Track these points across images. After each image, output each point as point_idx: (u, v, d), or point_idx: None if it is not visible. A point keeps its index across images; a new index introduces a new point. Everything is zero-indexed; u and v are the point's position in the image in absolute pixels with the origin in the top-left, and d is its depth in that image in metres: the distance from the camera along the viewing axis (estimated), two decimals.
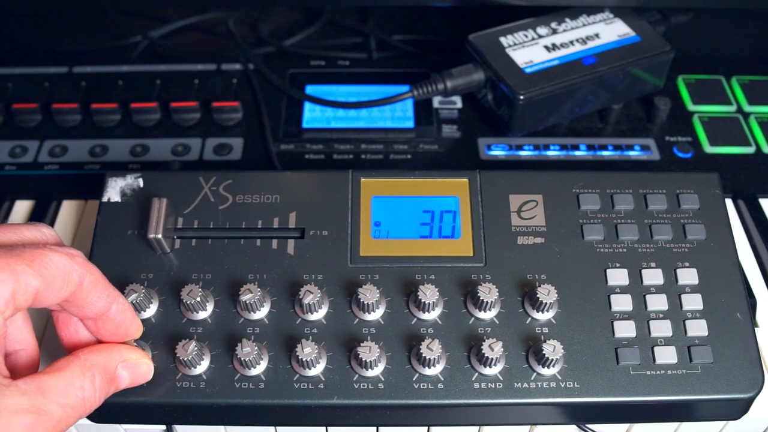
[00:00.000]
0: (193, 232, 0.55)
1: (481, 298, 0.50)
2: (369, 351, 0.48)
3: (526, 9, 0.73)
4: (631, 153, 0.70)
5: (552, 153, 0.70)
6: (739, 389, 0.49)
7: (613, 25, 0.72)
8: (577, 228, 0.55)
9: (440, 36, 0.86)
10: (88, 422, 0.52)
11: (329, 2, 0.85)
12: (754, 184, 0.69)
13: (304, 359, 0.48)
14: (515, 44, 0.70)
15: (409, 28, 0.87)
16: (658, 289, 0.53)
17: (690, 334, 0.51)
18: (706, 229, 0.55)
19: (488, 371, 0.49)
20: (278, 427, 0.55)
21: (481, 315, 0.51)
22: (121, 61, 0.79)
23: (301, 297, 0.50)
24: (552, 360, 0.48)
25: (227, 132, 0.73)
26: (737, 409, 0.51)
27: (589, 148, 0.71)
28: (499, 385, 0.49)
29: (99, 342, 0.47)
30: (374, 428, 0.56)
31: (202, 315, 0.51)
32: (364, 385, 0.49)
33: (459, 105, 0.75)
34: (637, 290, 0.53)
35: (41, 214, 0.66)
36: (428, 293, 0.50)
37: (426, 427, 0.56)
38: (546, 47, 0.70)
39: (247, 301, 0.50)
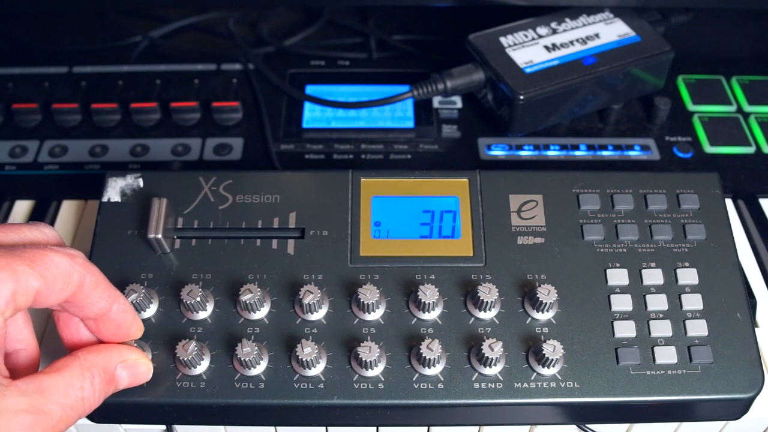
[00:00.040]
0: (193, 232, 0.55)
1: (481, 298, 0.50)
2: (369, 351, 0.48)
3: (526, 9, 0.73)
4: (631, 153, 0.70)
5: (552, 153, 0.70)
6: (739, 389, 0.49)
7: (613, 25, 0.72)
8: (577, 228, 0.55)
9: (440, 36, 0.86)
10: (88, 422, 0.52)
11: (329, 2, 0.85)
12: (754, 184, 0.69)
13: (304, 359, 0.48)
14: (515, 44, 0.70)
15: (409, 28, 0.87)
16: (658, 289, 0.53)
17: (690, 334, 0.51)
18: (706, 229, 0.55)
19: (488, 371, 0.49)
20: (278, 427, 0.55)
21: (481, 315, 0.51)
22: (121, 61, 0.79)
23: (301, 297, 0.50)
24: (552, 360, 0.48)
25: (227, 132, 0.73)
26: (737, 409, 0.51)
27: (589, 148, 0.71)
28: (499, 385, 0.49)
29: (100, 342, 0.47)
30: (374, 428, 0.56)
31: (202, 315, 0.51)
32: (364, 385, 0.49)
33: (459, 105, 0.75)
34: (637, 290, 0.53)
35: (41, 214, 0.66)
36: (428, 293, 0.50)
37: (426, 427, 0.56)
38: (546, 47, 0.70)
39: (247, 301, 0.50)
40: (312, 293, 0.50)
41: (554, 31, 0.71)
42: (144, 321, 0.50)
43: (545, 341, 0.49)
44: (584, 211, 0.56)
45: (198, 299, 0.50)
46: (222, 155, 0.70)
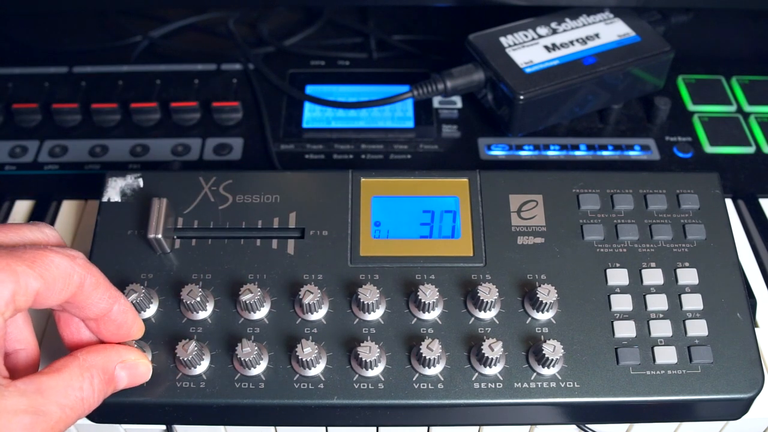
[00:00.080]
0: (193, 232, 0.55)
1: (481, 298, 0.50)
2: (369, 351, 0.48)
3: (526, 9, 0.73)
4: (631, 153, 0.70)
5: (552, 153, 0.70)
6: (739, 389, 0.49)
7: (613, 25, 0.72)
8: (577, 228, 0.55)
9: (440, 36, 0.86)
10: (88, 422, 0.52)
11: (329, 2, 0.85)
12: (754, 184, 0.69)
13: (304, 359, 0.48)
14: (515, 44, 0.70)
15: (409, 28, 0.87)
16: (658, 289, 0.53)
17: (690, 334, 0.51)
18: (706, 229, 0.55)
19: (488, 371, 0.49)
20: (278, 427, 0.55)
21: (481, 315, 0.51)
22: (121, 61, 0.79)
23: (301, 297, 0.50)
24: (552, 360, 0.48)
25: (227, 132, 0.73)
26: (737, 409, 0.51)
27: (589, 148, 0.71)
28: (499, 385, 0.49)
29: (101, 342, 0.47)
30: (374, 428, 0.56)
31: (202, 315, 0.51)
32: (364, 385, 0.49)
33: (459, 105, 0.75)
34: (637, 290, 0.53)
35: (41, 214, 0.66)
36: (428, 293, 0.50)
37: (426, 427, 0.56)
38: (546, 47, 0.70)
39: (247, 301, 0.50)
40: (312, 293, 0.50)
41: (554, 31, 0.71)
42: (144, 321, 0.50)
43: (545, 341, 0.49)
44: (584, 211, 0.56)
45: (198, 299, 0.50)
46: (222, 155, 0.70)
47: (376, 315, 0.51)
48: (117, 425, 0.55)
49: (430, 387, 0.49)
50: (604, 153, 0.70)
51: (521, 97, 0.66)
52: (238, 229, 0.55)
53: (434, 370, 0.49)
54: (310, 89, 0.77)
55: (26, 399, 0.38)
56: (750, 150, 0.71)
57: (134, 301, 0.50)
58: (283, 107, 0.75)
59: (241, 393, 0.49)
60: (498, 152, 0.70)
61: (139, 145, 0.71)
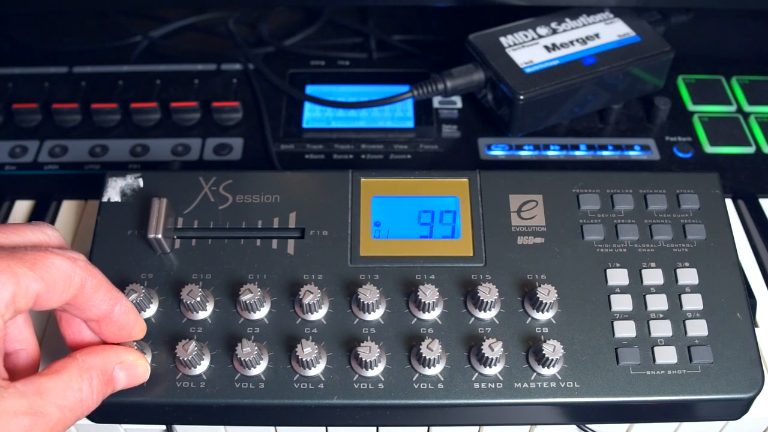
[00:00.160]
0: (193, 232, 0.55)
1: (481, 298, 0.50)
2: (369, 351, 0.48)
3: (526, 9, 0.73)
4: (631, 153, 0.70)
5: (552, 153, 0.70)
6: (739, 389, 0.49)
7: (613, 25, 0.72)
8: (577, 228, 0.55)
9: (440, 36, 0.86)
10: (88, 422, 0.52)
11: (329, 2, 0.85)
12: (754, 184, 0.69)
13: (304, 359, 0.48)
14: (515, 44, 0.70)
15: (409, 28, 0.87)
16: (658, 289, 0.53)
17: (690, 334, 0.51)
18: (706, 229, 0.55)
19: (488, 371, 0.49)
20: (278, 427, 0.55)
21: (481, 315, 0.51)
22: (121, 61, 0.79)
23: (301, 297, 0.50)
24: (552, 360, 0.48)
25: (227, 132, 0.73)
26: (737, 409, 0.51)
27: (589, 148, 0.71)
28: (499, 385, 0.49)
29: (102, 342, 0.47)
30: (374, 428, 0.56)
31: (202, 315, 0.51)
32: (364, 385, 0.49)
33: (459, 105, 0.75)
34: (637, 290, 0.53)
35: (41, 214, 0.66)
36: (428, 293, 0.50)
37: (426, 427, 0.56)
38: (546, 47, 0.70)
39: (247, 301, 0.50)
40: (312, 293, 0.50)
41: (554, 31, 0.71)
42: (144, 321, 0.50)
43: (545, 341, 0.49)
44: (584, 211, 0.56)
45: (198, 299, 0.50)
46: (222, 155, 0.70)
47: (376, 315, 0.51)
48: (117, 425, 0.55)
49: (430, 387, 0.49)
50: (604, 153, 0.70)
51: (521, 97, 0.66)
52: (238, 229, 0.55)
53: (434, 370, 0.49)
54: (310, 89, 0.77)
55: (25, 400, 0.38)
56: (750, 150, 0.71)
57: (134, 301, 0.50)
58: (283, 107, 0.75)
59: (241, 393, 0.49)
60: (498, 152, 0.70)
61: (139, 145, 0.71)
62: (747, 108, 0.75)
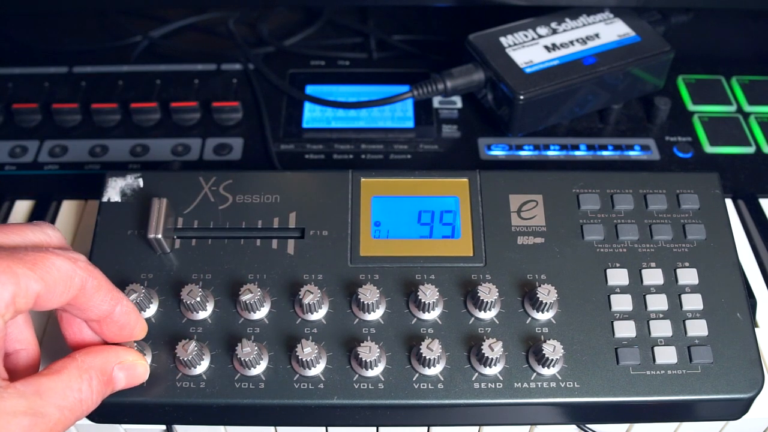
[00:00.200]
0: (193, 232, 0.55)
1: (481, 298, 0.50)
2: (369, 351, 0.48)
3: (526, 9, 0.73)
4: (631, 153, 0.70)
5: (552, 153, 0.70)
6: (739, 389, 0.49)
7: (613, 25, 0.72)
8: (577, 228, 0.55)
9: (440, 36, 0.86)
10: (88, 422, 0.52)
11: (329, 2, 0.85)
12: (754, 184, 0.69)
13: (304, 359, 0.48)
14: (515, 44, 0.70)
15: (409, 28, 0.87)
16: (658, 289, 0.53)
17: (690, 334, 0.51)
18: (706, 229, 0.55)
19: (488, 371, 0.49)
20: (278, 427, 0.55)
21: (481, 315, 0.51)
22: (121, 61, 0.79)
23: (301, 297, 0.50)
24: (552, 360, 0.48)
25: (227, 132, 0.73)
26: (737, 409, 0.51)
27: (589, 148, 0.71)
28: (499, 385, 0.49)
29: (104, 342, 0.47)
30: (374, 428, 0.56)
31: (202, 315, 0.51)
32: (364, 385, 0.49)
33: (459, 105, 0.75)
34: (637, 290, 0.53)
35: (41, 214, 0.66)
36: (428, 293, 0.50)
37: (426, 427, 0.56)
38: (546, 47, 0.70)
39: (247, 301, 0.50)
40: (312, 293, 0.50)
41: (554, 31, 0.71)
42: (145, 321, 0.50)
43: (545, 341, 0.49)
44: (584, 211, 0.56)
45: (198, 299, 0.50)
46: (222, 155, 0.70)
47: (376, 315, 0.51)
48: (117, 425, 0.55)
49: (430, 387, 0.49)
50: (604, 153, 0.70)
51: (521, 97, 0.66)
52: (238, 229, 0.55)
53: (434, 370, 0.49)
54: (310, 89, 0.77)
55: (25, 401, 0.38)
56: (750, 150, 0.71)
57: (134, 301, 0.50)
58: (283, 107, 0.75)
59: (241, 393, 0.49)
60: (498, 152, 0.70)
61: (139, 145, 0.71)
62: (747, 108, 0.75)
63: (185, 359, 0.48)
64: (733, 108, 0.75)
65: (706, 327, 0.51)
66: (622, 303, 0.52)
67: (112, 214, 0.55)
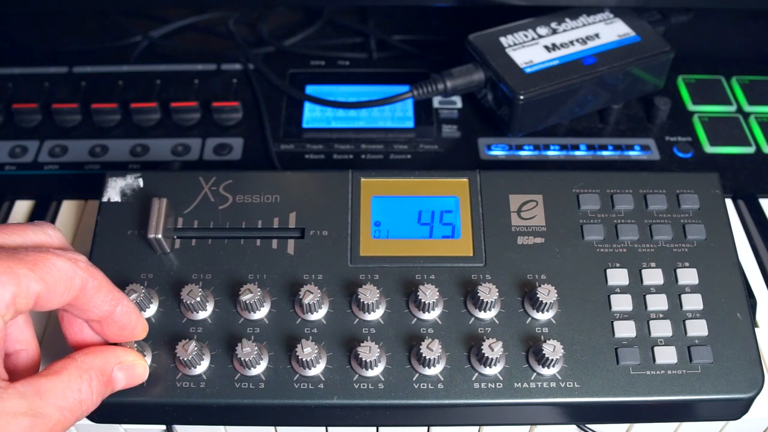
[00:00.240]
0: (193, 232, 0.55)
1: (481, 298, 0.50)
2: (369, 351, 0.48)
3: (526, 9, 0.73)
4: (631, 153, 0.70)
5: (552, 153, 0.70)
6: (739, 389, 0.49)
7: (613, 25, 0.72)
8: (577, 228, 0.55)
9: (440, 36, 0.86)
10: (88, 422, 0.52)
11: (329, 2, 0.85)
12: (754, 184, 0.69)
13: (304, 359, 0.48)
14: (515, 44, 0.70)
15: (409, 28, 0.87)
16: (658, 289, 0.53)
17: (690, 334, 0.51)
18: (706, 229, 0.55)
19: (488, 371, 0.49)
20: (278, 427, 0.55)
21: (481, 315, 0.51)
22: (121, 61, 0.79)
23: (301, 297, 0.50)
24: (552, 360, 0.48)
25: (227, 132, 0.73)
26: (737, 409, 0.51)
27: (589, 148, 0.71)
28: (499, 385, 0.49)
29: (105, 342, 0.47)
30: (374, 428, 0.56)
31: (202, 315, 0.51)
32: (364, 385, 0.49)
33: (459, 105, 0.75)
34: (637, 290, 0.53)
35: (41, 214, 0.66)
36: (428, 293, 0.50)
37: (426, 427, 0.56)
38: (546, 47, 0.70)
39: (247, 301, 0.50)
40: (312, 293, 0.50)
41: (554, 31, 0.71)
42: (146, 321, 0.50)
43: (545, 341, 0.49)
44: (584, 211, 0.56)
45: (198, 299, 0.50)
46: (222, 155, 0.70)
47: (376, 315, 0.51)
48: (117, 425, 0.55)
49: (430, 387, 0.49)
50: (604, 153, 0.70)
51: (521, 97, 0.66)
52: (238, 229, 0.55)
53: (434, 370, 0.49)
54: (310, 89, 0.77)
55: (25, 401, 0.38)
56: (750, 150, 0.71)
57: (134, 301, 0.50)
58: (283, 107, 0.75)
59: (241, 393, 0.49)
60: (498, 152, 0.70)
61: (139, 145, 0.71)
62: (747, 108, 0.75)
63: (185, 359, 0.48)
64: (733, 108, 0.75)
65: (706, 327, 0.51)
66: (622, 303, 0.52)
67: (112, 214, 0.55)
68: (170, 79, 0.77)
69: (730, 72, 0.79)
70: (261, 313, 0.51)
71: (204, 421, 0.52)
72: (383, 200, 0.56)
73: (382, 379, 0.49)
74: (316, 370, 0.49)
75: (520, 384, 0.49)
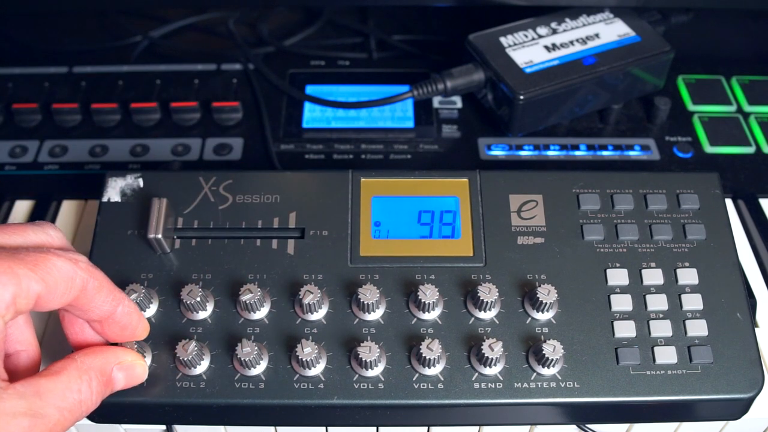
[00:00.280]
0: (193, 232, 0.55)
1: (481, 298, 0.50)
2: (369, 351, 0.48)
3: (526, 9, 0.73)
4: (631, 153, 0.70)
5: (552, 153, 0.70)
6: (739, 389, 0.49)
7: (613, 25, 0.72)
8: (577, 228, 0.55)
9: (440, 36, 0.86)
10: (88, 422, 0.52)
11: (329, 2, 0.85)
12: (754, 184, 0.69)
13: (304, 359, 0.48)
14: (515, 44, 0.70)
15: (409, 28, 0.87)
16: (658, 289, 0.53)
17: (690, 334, 0.51)
18: (706, 229, 0.55)
19: (488, 371, 0.49)
20: (278, 427, 0.55)
21: (481, 315, 0.51)
22: (121, 61, 0.79)
23: (301, 297, 0.50)
24: (552, 360, 0.48)
25: (227, 132, 0.73)
26: (737, 409, 0.51)
27: (589, 148, 0.71)
28: (499, 385, 0.49)
29: (106, 341, 0.47)
30: (374, 428, 0.56)
31: (202, 315, 0.51)
32: (364, 385, 0.49)
33: (459, 105, 0.75)
34: (637, 290, 0.53)
35: (41, 214, 0.66)
36: (428, 293, 0.50)
37: (426, 427, 0.56)
38: (546, 47, 0.70)
39: (247, 301, 0.50)
40: (312, 293, 0.50)
41: (554, 31, 0.71)
42: (147, 321, 0.50)
43: (545, 341, 0.49)
44: (584, 211, 0.56)
45: (198, 299, 0.50)
46: (222, 155, 0.70)
47: (376, 315, 0.51)
48: (117, 425, 0.55)
49: (430, 387, 0.49)
50: (604, 153, 0.70)
51: (521, 97, 0.66)
52: (238, 229, 0.55)
53: (434, 370, 0.49)
54: (310, 89, 0.77)
55: (25, 402, 0.38)
56: (750, 150, 0.71)
57: (134, 301, 0.50)
58: (283, 107, 0.75)
59: (241, 393, 0.49)
60: (498, 152, 0.70)
61: (139, 145, 0.71)
62: (747, 108, 0.75)
63: (185, 359, 0.48)
64: (733, 108, 0.75)
65: (706, 327, 0.51)
66: (622, 303, 0.52)
67: (112, 214, 0.55)
68: (170, 79, 0.77)
69: (730, 72, 0.79)
70: (261, 313, 0.51)
71: (204, 421, 0.52)
72: (383, 200, 0.56)
73: (382, 379, 0.49)
74: (316, 370, 0.49)
75: (520, 384, 0.49)
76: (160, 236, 0.52)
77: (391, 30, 0.86)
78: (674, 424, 0.56)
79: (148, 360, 0.49)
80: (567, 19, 0.72)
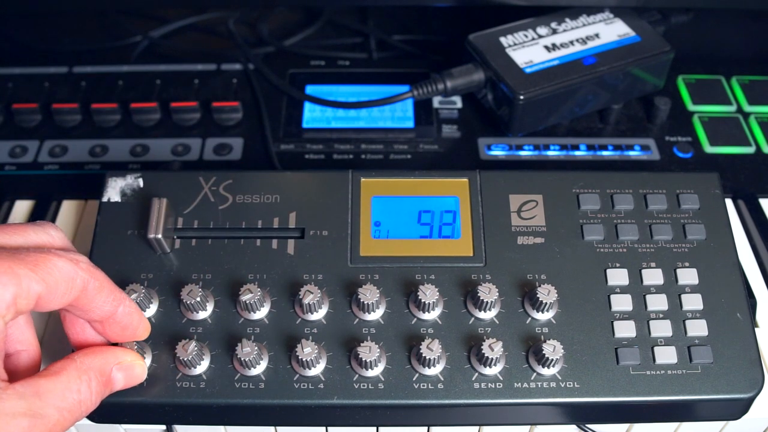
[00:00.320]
0: (193, 232, 0.55)
1: (481, 298, 0.50)
2: (369, 351, 0.48)
3: (526, 9, 0.73)
4: (631, 153, 0.70)
5: (552, 153, 0.70)
6: (739, 389, 0.49)
7: (613, 25, 0.72)
8: (577, 228, 0.55)
9: (440, 36, 0.86)
10: (88, 422, 0.52)
11: (329, 2, 0.85)
12: (754, 184, 0.69)
13: (304, 359, 0.48)
14: (515, 44, 0.70)
15: (409, 28, 0.87)
16: (658, 289, 0.53)
17: (690, 334, 0.51)
18: (706, 229, 0.55)
19: (488, 371, 0.49)
20: (278, 427, 0.55)
21: (481, 315, 0.51)
22: (121, 61, 0.79)
23: (301, 297, 0.50)
24: (552, 360, 0.48)
25: (227, 132, 0.73)
26: (737, 409, 0.51)
27: (589, 148, 0.71)
28: (499, 385, 0.49)
29: (107, 342, 0.47)
30: (374, 428, 0.56)
31: (202, 315, 0.51)
32: (364, 385, 0.49)
33: (459, 105, 0.75)
34: (637, 290, 0.53)
35: (41, 214, 0.66)
36: (428, 293, 0.50)
37: (426, 427, 0.56)
38: (546, 47, 0.70)
39: (247, 301, 0.50)
40: (312, 293, 0.50)
41: (554, 31, 0.71)
42: (148, 321, 0.50)
43: (545, 341, 0.49)
44: (584, 211, 0.56)
45: (198, 299, 0.50)
46: (222, 155, 0.70)
47: (376, 315, 0.51)
48: (117, 425, 0.55)
49: (430, 387, 0.49)
50: (604, 153, 0.70)
51: (521, 97, 0.66)
52: (238, 229, 0.55)
53: (434, 370, 0.49)
54: (310, 89, 0.77)
55: (24, 402, 0.38)
56: (750, 150, 0.71)
57: (134, 301, 0.50)
58: (283, 107, 0.75)
59: (241, 393, 0.49)
60: (498, 152, 0.70)
61: (139, 145, 0.71)
62: (747, 108, 0.75)
63: (185, 359, 0.48)
64: (733, 108, 0.75)
65: (706, 327, 0.51)
66: (622, 303, 0.52)
67: (112, 214, 0.55)
68: (170, 79, 0.77)
69: (730, 72, 0.79)
70: (261, 313, 0.51)
71: (204, 421, 0.52)
72: (383, 200, 0.56)
73: (382, 379, 0.49)
74: (316, 370, 0.49)
75: (520, 384, 0.49)
76: (160, 236, 0.52)
77: (391, 30, 0.86)
78: (674, 424, 0.56)
79: (148, 360, 0.49)
80: (567, 19, 0.72)
